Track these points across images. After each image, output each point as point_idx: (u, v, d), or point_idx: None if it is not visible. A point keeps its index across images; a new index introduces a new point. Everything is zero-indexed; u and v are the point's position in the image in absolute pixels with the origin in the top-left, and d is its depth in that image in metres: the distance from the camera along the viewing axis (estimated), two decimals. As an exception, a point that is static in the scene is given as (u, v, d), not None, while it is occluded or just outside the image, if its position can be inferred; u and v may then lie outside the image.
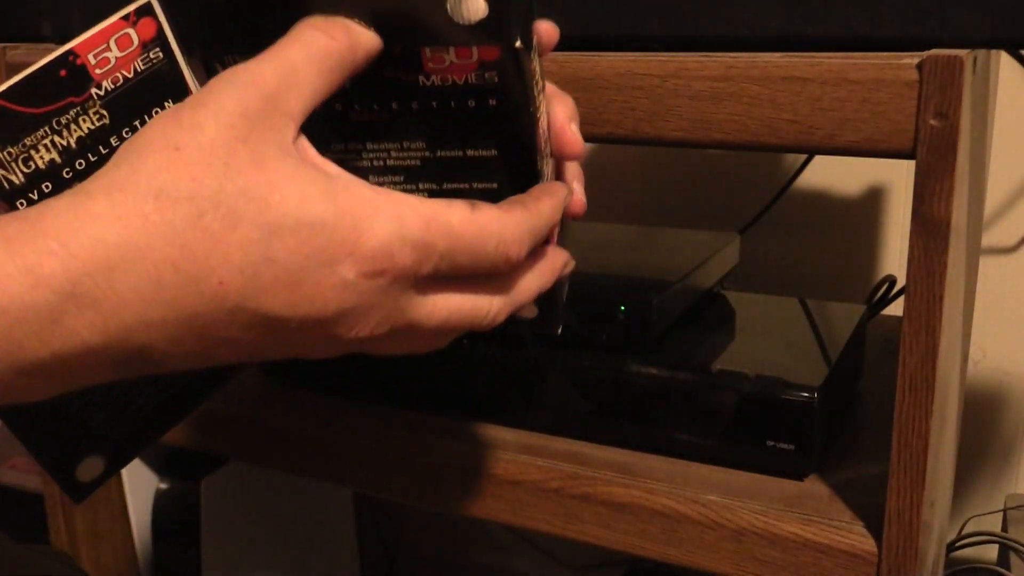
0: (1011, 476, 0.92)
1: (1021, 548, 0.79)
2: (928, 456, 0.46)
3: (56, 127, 0.37)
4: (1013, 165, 0.86)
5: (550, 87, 0.41)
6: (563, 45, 0.47)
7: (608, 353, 0.59)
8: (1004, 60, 0.76)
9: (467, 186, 0.40)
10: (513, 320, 0.43)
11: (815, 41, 0.47)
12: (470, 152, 0.39)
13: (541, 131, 0.39)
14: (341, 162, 0.38)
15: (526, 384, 0.61)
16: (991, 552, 0.87)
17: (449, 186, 0.40)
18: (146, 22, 0.38)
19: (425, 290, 0.36)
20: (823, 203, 0.93)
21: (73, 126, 0.37)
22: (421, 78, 0.37)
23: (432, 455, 0.61)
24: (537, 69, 0.38)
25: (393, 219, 0.33)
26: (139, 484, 0.85)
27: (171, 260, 0.31)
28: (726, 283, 0.74)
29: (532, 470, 0.58)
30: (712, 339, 0.64)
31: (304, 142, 0.35)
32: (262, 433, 0.68)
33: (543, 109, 0.40)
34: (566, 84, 0.50)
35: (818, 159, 0.88)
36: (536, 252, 0.40)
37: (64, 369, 0.31)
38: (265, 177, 0.32)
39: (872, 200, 0.92)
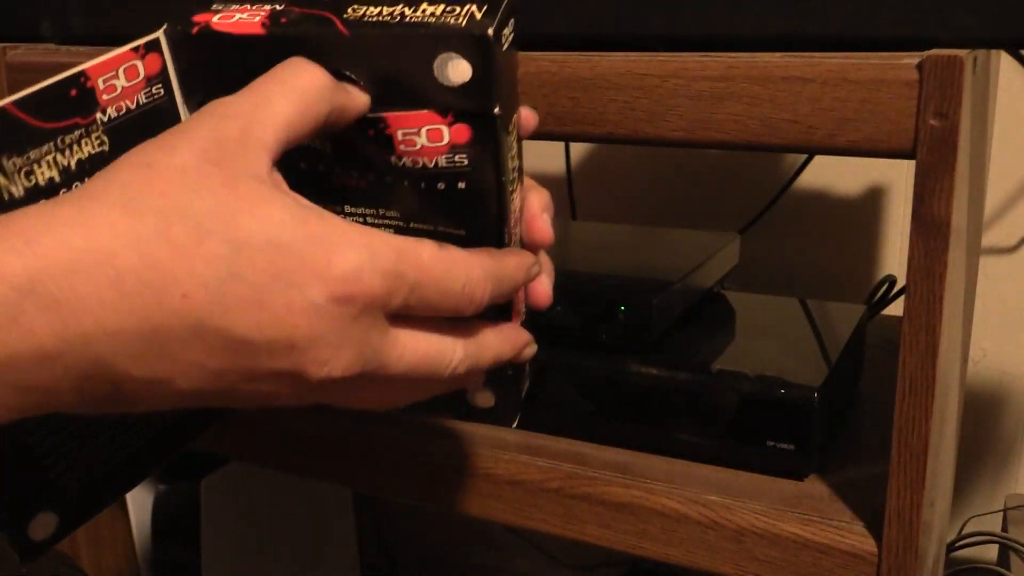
0: (1011, 476, 0.92)
1: (1021, 548, 0.79)
2: (928, 456, 0.46)
3: (60, 145, 0.37)
4: (1013, 165, 0.86)
5: (527, 180, 0.41)
6: (563, 45, 0.47)
7: (608, 353, 0.59)
8: (1004, 60, 0.76)
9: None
10: (471, 410, 0.43)
11: (815, 41, 0.47)
12: (440, 229, 0.40)
13: (513, 215, 0.39)
14: None
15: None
16: (991, 552, 0.87)
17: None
18: (153, 58, 0.39)
19: (395, 325, 0.35)
20: (823, 203, 0.93)
21: (76, 147, 0.38)
22: (393, 158, 0.38)
23: (432, 455, 0.61)
24: (514, 147, 0.38)
25: (364, 247, 0.33)
26: (139, 484, 0.85)
27: (135, 269, 0.30)
28: (726, 283, 0.74)
29: (532, 470, 0.58)
30: (712, 339, 0.64)
31: (278, 176, 0.35)
32: (262, 433, 0.68)
33: (519, 193, 0.40)
34: (566, 84, 0.50)
35: (818, 159, 0.88)
36: (500, 321, 0.40)
37: (19, 377, 0.30)
38: (236, 197, 0.32)
39: (872, 200, 0.92)
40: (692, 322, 0.66)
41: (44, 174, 0.37)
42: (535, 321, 0.62)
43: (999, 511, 0.89)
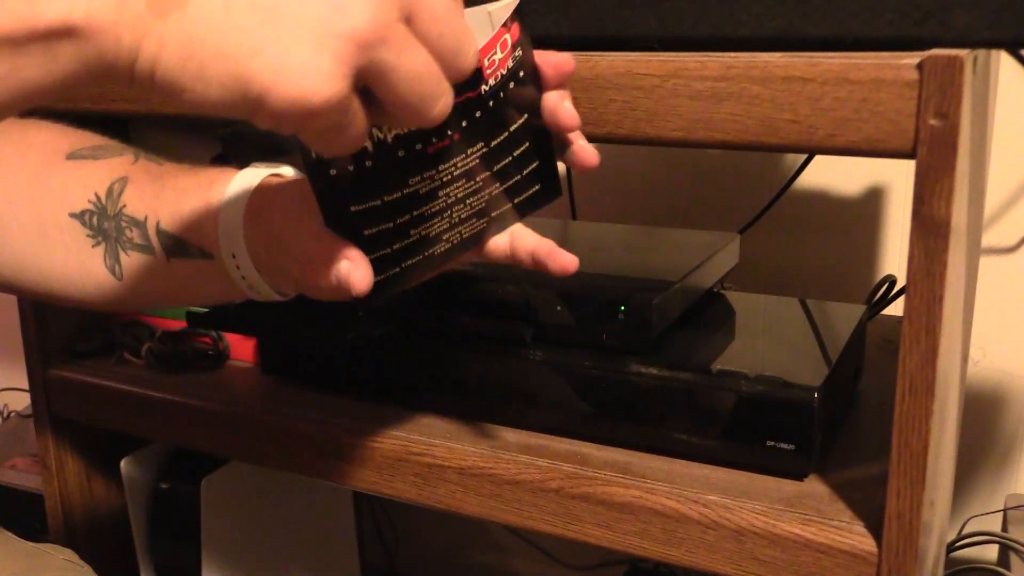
0: (1011, 476, 0.92)
1: (1021, 548, 0.79)
2: (928, 456, 0.46)
3: None
4: (1013, 165, 0.86)
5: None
6: (563, 45, 0.47)
7: (608, 353, 0.60)
8: (1004, 60, 0.76)
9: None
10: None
11: (815, 41, 0.47)
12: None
13: None
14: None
15: (526, 384, 0.61)
16: (991, 552, 0.87)
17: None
18: (515, 26, 0.43)
19: None
20: (823, 203, 0.93)
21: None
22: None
23: (432, 455, 0.61)
24: None
25: None
26: (139, 484, 0.85)
27: None
28: (726, 283, 0.74)
29: (532, 470, 0.58)
30: (712, 339, 0.64)
31: None
32: (262, 433, 0.68)
33: None
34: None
35: (818, 159, 0.88)
36: None
37: None
38: None
39: (872, 200, 0.92)
40: (692, 322, 0.66)
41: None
42: (536, 320, 0.62)
43: (999, 511, 0.89)
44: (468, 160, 0.45)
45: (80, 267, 0.53)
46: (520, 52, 0.44)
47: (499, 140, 0.45)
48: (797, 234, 0.95)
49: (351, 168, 0.41)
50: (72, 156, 0.54)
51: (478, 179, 0.46)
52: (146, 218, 0.51)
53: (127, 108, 0.67)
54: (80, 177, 0.53)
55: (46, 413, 0.80)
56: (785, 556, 0.51)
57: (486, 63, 0.42)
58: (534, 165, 0.48)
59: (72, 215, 0.53)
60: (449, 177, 0.45)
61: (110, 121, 0.78)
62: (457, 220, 0.47)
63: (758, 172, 0.94)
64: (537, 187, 0.48)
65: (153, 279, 0.52)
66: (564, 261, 0.49)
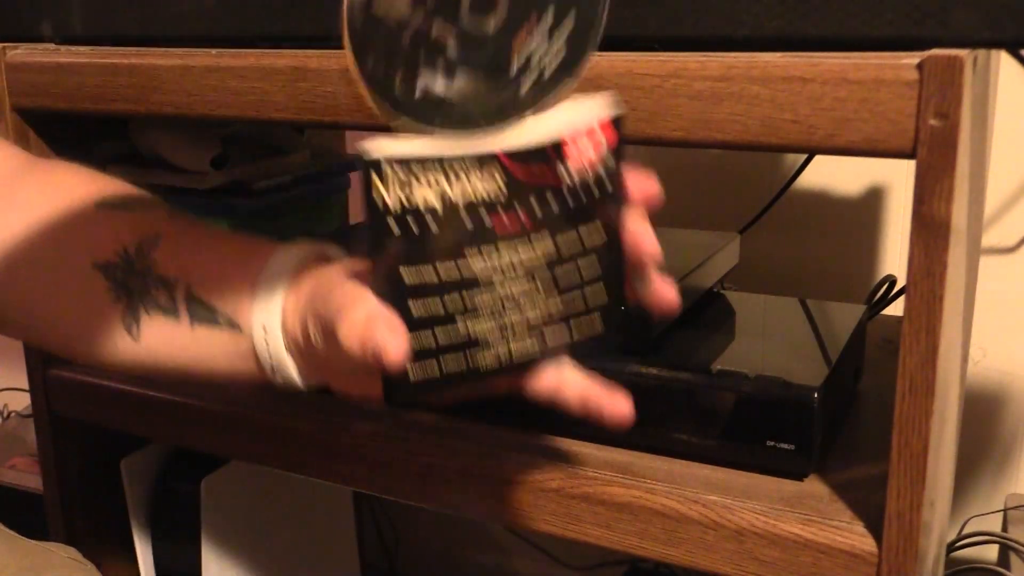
0: (1011, 476, 0.92)
1: (1021, 548, 0.79)
2: (928, 456, 0.46)
3: (447, 170, 0.40)
4: (1013, 165, 0.86)
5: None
6: (563, 45, 0.47)
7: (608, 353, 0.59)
8: (1004, 60, 0.76)
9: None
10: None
11: (815, 41, 0.47)
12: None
13: None
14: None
15: (526, 384, 0.61)
16: (991, 552, 0.87)
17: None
18: (611, 131, 0.42)
19: None
20: (823, 203, 0.93)
21: (466, 184, 0.40)
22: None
23: (433, 455, 0.61)
24: None
25: None
26: (139, 484, 0.85)
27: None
28: (726, 283, 0.74)
29: (532, 470, 0.58)
30: (712, 339, 0.64)
31: None
32: (262, 433, 0.68)
33: None
34: (566, 84, 0.50)
35: (818, 159, 0.88)
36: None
37: None
38: None
39: (872, 200, 0.92)
40: (692, 322, 0.66)
41: (425, 198, 0.40)
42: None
43: (999, 511, 0.89)
44: (532, 257, 0.42)
45: (94, 320, 0.51)
46: (613, 164, 0.42)
47: (571, 252, 0.42)
48: (797, 234, 0.94)
49: (415, 230, 0.40)
50: (103, 205, 0.53)
51: (539, 285, 0.42)
52: (176, 280, 0.50)
53: (127, 108, 0.67)
54: (112, 228, 0.52)
55: (46, 413, 0.80)
56: (785, 556, 0.51)
57: (572, 151, 0.41)
58: (602, 302, 0.44)
59: (96, 265, 0.51)
60: (509, 268, 0.42)
61: (110, 120, 0.79)
62: (509, 330, 0.43)
63: (758, 172, 0.94)
64: (600, 329, 0.44)
65: (170, 345, 0.51)
66: (622, 410, 0.44)
